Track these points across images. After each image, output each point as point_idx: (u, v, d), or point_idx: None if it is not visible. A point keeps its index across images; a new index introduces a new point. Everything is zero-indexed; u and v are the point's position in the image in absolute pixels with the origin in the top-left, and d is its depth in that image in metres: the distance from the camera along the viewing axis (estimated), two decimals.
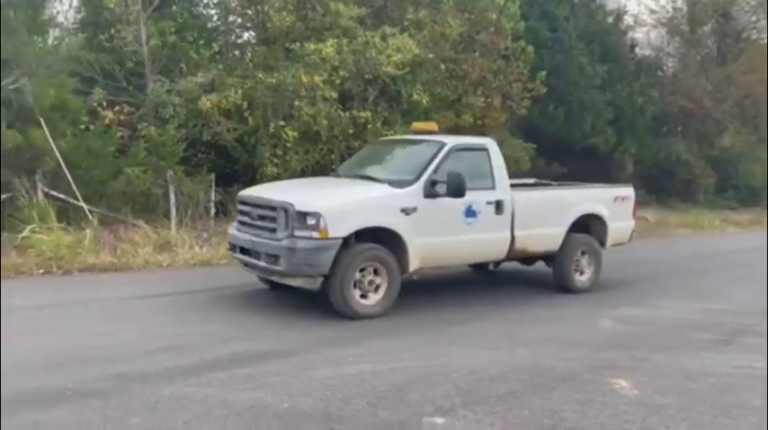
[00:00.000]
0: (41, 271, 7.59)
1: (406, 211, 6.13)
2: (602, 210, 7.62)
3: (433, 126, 7.50)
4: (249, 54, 12.75)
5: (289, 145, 10.81)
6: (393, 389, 4.15)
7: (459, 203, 6.39)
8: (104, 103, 10.33)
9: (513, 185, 7.02)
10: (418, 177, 6.33)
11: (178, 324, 5.60)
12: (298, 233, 5.80)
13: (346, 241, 5.89)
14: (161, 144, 10.23)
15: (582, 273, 7.55)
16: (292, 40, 11.87)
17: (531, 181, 8.96)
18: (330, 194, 6.43)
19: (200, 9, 13.16)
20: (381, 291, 6.10)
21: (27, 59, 8.95)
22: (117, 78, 10.90)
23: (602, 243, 7.69)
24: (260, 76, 11.00)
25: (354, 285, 5.94)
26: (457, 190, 6.19)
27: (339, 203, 6.09)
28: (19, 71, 8.89)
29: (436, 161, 6.44)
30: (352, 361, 4.71)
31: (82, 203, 9.23)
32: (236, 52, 13.14)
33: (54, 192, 9.26)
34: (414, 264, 6.24)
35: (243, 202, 6.61)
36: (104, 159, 9.89)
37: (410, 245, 6.15)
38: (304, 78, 10.65)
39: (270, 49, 11.96)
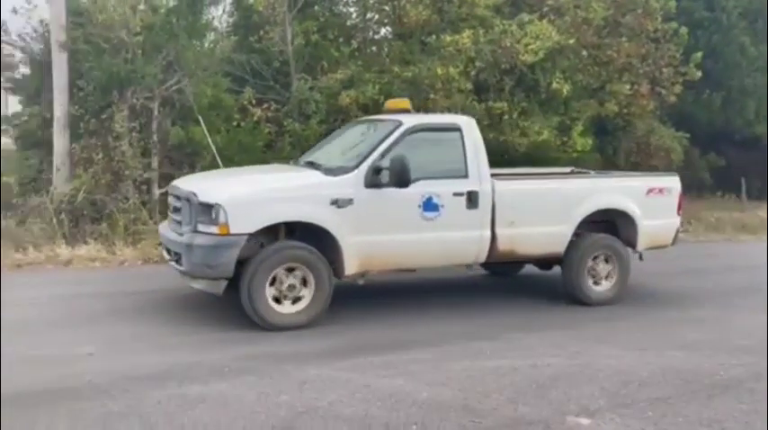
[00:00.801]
0: None
1: (337, 203, 5.20)
2: (629, 205, 6.30)
3: (404, 103, 6.35)
4: (386, 49, 12.96)
5: None
6: (533, 385, 4.04)
7: (414, 195, 5.40)
8: (253, 101, 10.97)
9: (499, 175, 6.01)
10: (359, 163, 5.40)
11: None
12: (201, 228, 5.07)
13: (276, 237, 5.26)
14: (304, 139, 10.70)
15: (599, 282, 6.29)
16: (428, 33, 11.91)
17: (567, 170, 7.86)
18: (242, 183, 5.68)
19: (341, 7, 13.57)
20: (307, 298, 5.21)
21: (188, 62, 9.75)
22: (265, 77, 11.55)
23: (633, 245, 6.43)
24: (396, 70, 11.17)
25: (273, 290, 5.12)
26: (399, 178, 5.23)
27: (246, 194, 5.27)
28: (181, 73, 9.72)
29: (385, 144, 5.47)
30: (489, 354, 4.66)
31: None
32: (373, 48, 13.42)
33: None
34: (351, 266, 5.30)
35: (168, 193, 6.02)
36: (254, 153, 10.52)
37: (344, 244, 5.21)
38: (439, 71, 10.65)
39: (406, 43, 12.08)
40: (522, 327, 5.43)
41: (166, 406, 3.66)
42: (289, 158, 10.65)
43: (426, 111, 10.90)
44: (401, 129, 5.61)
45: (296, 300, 5.21)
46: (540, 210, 6.01)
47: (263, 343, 4.82)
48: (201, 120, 9.82)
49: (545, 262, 6.60)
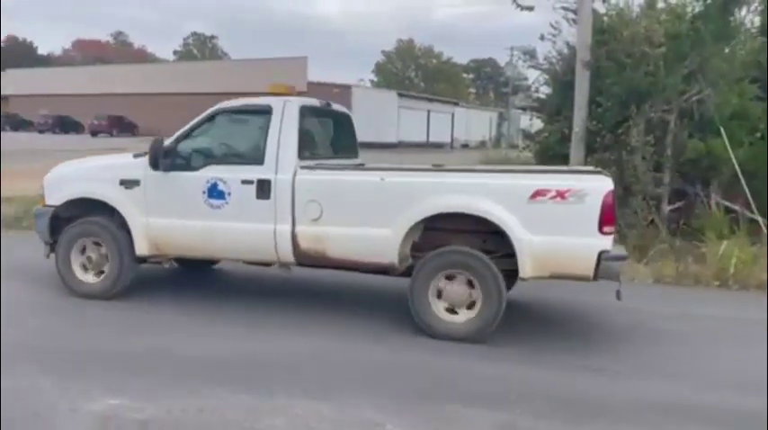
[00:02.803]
0: (717, 283, 7.51)
1: (125, 184, 5.68)
2: (491, 211, 4.78)
3: (282, 88, 5.88)
4: None
5: None
6: None
7: (199, 180, 5.44)
8: None
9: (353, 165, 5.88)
10: None
11: None
12: None
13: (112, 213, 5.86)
14: None
15: (454, 310, 4.97)
16: None
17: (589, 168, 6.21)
18: (73, 163, 6.38)
19: None
20: (105, 271, 5.83)
21: (712, 69, 9.01)
22: None
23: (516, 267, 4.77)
24: None
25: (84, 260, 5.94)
26: (152, 160, 5.48)
27: (60, 173, 6.17)
28: (703, 82, 9.05)
29: (186, 127, 5.66)
30: None
31: (757, 216, 8.72)
32: None
33: (726, 203, 9.08)
34: (142, 247, 5.69)
35: None
36: None
37: (132, 224, 5.69)
38: None
39: None
40: None
41: None
42: None
43: None
44: (208, 112, 5.67)
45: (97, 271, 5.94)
46: (353, 209, 5.17)
47: None
48: (723, 132, 8.95)
49: (382, 273, 5.41)
